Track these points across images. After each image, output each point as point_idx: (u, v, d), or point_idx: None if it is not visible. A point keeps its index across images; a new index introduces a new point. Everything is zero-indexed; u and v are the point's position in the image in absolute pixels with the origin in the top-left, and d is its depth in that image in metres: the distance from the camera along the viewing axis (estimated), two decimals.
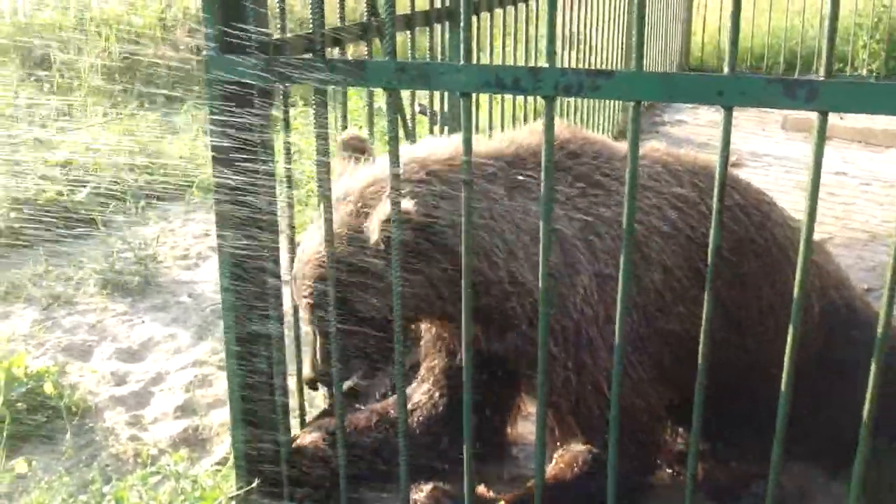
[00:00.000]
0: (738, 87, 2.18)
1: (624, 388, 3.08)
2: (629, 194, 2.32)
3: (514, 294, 3.08)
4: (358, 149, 3.25)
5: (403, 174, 3.00)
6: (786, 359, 2.38)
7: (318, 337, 3.20)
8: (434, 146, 3.24)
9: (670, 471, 3.48)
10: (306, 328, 3.23)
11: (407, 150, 3.22)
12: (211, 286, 5.96)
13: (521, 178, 3.12)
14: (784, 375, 2.39)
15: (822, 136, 2.18)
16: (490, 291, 3.05)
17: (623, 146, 3.35)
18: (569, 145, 3.23)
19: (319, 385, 3.33)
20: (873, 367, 2.29)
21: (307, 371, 3.26)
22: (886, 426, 3.25)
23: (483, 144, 3.26)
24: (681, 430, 3.57)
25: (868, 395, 2.33)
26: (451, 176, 3.02)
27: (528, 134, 3.27)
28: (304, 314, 3.21)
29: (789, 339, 2.36)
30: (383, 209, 2.83)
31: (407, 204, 2.83)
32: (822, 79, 2.12)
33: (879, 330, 2.27)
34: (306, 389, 3.68)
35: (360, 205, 3.05)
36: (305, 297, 3.12)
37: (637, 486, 3.23)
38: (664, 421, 3.38)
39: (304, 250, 3.18)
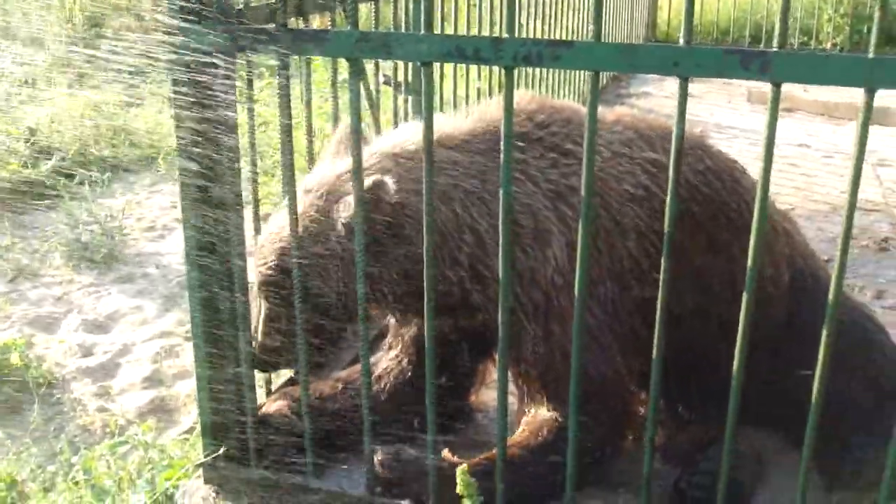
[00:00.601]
0: (694, 58, 2.21)
1: (594, 357, 3.12)
2: (587, 163, 2.35)
3: (479, 286, 3.12)
4: None
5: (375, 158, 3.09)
6: (740, 324, 2.43)
7: (264, 316, 3.23)
8: (408, 131, 3.28)
9: (634, 437, 3.52)
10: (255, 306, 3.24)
11: (386, 138, 3.30)
12: (177, 258, 5.97)
13: (494, 154, 3.10)
14: (738, 340, 2.44)
15: (775, 106, 2.22)
16: (456, 285, 3.09)
17: None
18: (537, 115, 3.21)
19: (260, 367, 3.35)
20: (825, 333, 2.35)
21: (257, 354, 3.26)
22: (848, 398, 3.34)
23: (450, 124, 3.25)
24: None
25: (819, 361, 2.38)
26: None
27: (497, 108, 3.28)
28: (258, 289, 3.22)
29: (743, 305, 2.41)
30: (367, 182, 2.85)
31: (388, 180, 2.88)
32: (775, 50, 2.16)
33: (831, 296, 2.32)
34: None
35: (330, 189, 3.07)
36: (263, 270, 3.14)
37: (607, 455, 3.24)
38: (636, 389, 3.39)
39: (271, 224, 3.21)
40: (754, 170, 2.46)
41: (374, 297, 3.05)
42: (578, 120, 3.22)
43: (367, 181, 2.81)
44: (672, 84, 10.89)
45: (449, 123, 3.26)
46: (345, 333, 3.28)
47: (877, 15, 2.06)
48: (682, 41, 2.22)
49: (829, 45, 11.74)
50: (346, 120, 3.14)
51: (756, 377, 3.31)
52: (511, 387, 3.30)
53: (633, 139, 3.24)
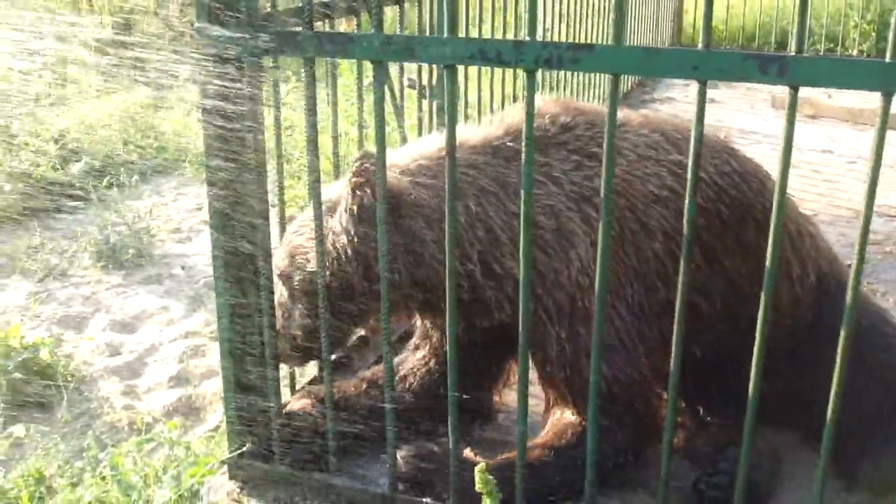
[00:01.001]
0: (713, 62, 2.24)
1: (620, 360, 3.14)
2: (607, 165, 2.39)
3: (492, 283, 3.14)
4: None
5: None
6: (758, 324, 2.45)
7: (290, 310, 3.29)
8: (429, 140, 3.37)
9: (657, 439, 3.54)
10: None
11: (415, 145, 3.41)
12: (203, 259, 6.04)
13: (514, 156, 3.15)
14: (756, 340, 2.46)
15: (793, 109, 2.24)
16: (466, 280, 3.12)
17: (619, 114, 3.40)
18: (562, 118, 3.24)
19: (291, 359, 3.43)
20: (842, 334, 2.37)
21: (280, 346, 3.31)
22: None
23: (473, 129, 3.32)
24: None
25: (837, 363, 2.40)
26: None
27: (519, 113, 3.31)
28: (283, 284, 3.28)
29: (761, 306, 2.43)
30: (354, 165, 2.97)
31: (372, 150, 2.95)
32: (793, 54, 2.19)
33: (848, 299, 2.34)
34: None
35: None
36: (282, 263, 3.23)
37: (630, 459, 3.24)
38: (662, 392, 3.40)
39: (301, 221, 3.29)
40: (777, 172, 2.48)
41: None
42: (603, 123, 3.24)
43: (356, 154, 2.89)
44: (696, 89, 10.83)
45: (472, 129, 3.32)
46: (362, 327, 3.33)
47: (894, 21, 2.08)
48: (700, 45, 2.25)
49: (855, 52, 11.69)
50: (370, 122, 3.18)
51: (777, 378, 3.34)
52: (538, 389, 3.34)
53: (660, 142, 3.25)
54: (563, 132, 3.22)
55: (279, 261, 3.23)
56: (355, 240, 3.09)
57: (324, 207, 3.07)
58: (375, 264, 2.99)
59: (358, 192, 3.07)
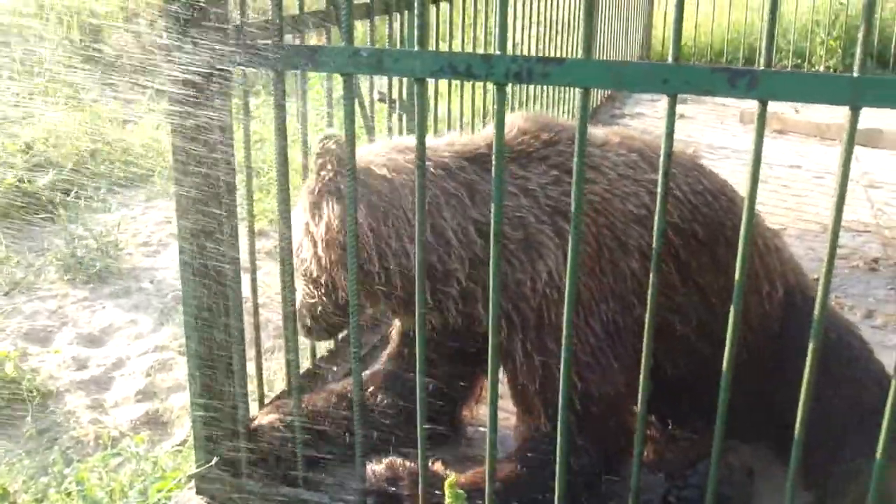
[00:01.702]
0: (682, 75, 2.25)
1: (595, 377, 3.14)
2: (577, 181, 2.38)
3: (432, 280, 3.11)
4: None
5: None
6: (727, 339, 2.45)
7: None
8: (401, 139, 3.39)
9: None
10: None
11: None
12: (172, 272, 6.00)
13: (486, 167, 3.15)
14: (726, 355, 2.46)
15: (762, 123, 2.25)
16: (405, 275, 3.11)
17: (599, 132, 3.41)
18: (543, 134, 3.24)
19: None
20: (810, 348, 2.37)
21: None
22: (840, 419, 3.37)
23: (459, 138, 3.33)
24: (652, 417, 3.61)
25: (805, 377, 2.41)
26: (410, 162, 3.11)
27: (507, 122, 3.32)
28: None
29: (731, 320, 2.43)
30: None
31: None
32: (762, 69, 2.20)
33: (816, 312, 2.35)
34: (264, 373, 3.75)
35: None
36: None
37: (603, 477, 3.23)
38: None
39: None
40: (746, 186, 2.49)
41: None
42: (588, 140, 3.24)
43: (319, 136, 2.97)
44: (666, 104, 10.92)
45: (457, 136, 3.33)
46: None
47: (861, 34, 2.09)
48: (670, 59, 2.26)
49: (822, 68, 11.81)
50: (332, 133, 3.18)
51: (747, 392, 3.35)
52: (509, 403, 3.33)
53: (637, 161, 3.26)
54: (545, 147, 3.22)
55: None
56: (334, 222, 3.09)
57: (306, 203, 3.14)
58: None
59: (322, 172, 3.10)
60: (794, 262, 3.69)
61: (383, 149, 3.24)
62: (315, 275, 3.19)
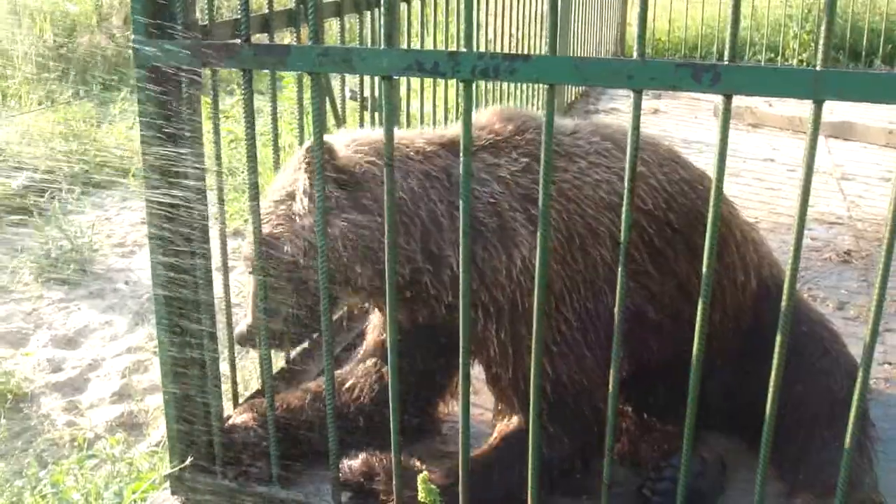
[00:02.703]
0: (647, 71, 2.27)
1: (568, 366, 3.15)
2: (544, 172, 2.39)
3: (430, 266, 3.11)
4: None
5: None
6: (696, 331, 2.47)
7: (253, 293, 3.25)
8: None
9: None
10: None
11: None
12: (147, 273, 5.94)
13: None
14: (694, 348, 2.48)
15: (727, 117, 2.28)
16: (407, 262, 3.08)
17: (571, 122, 3.42)
18: (513, 122, 3.25)
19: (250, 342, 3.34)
20: (778, 338, 2.39)
21: (242, 328, 3.29)
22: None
23: (433, 130, 3.34)
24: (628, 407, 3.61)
25: (774, 365, 2.43)
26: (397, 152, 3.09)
27: (481, 116, 3.33)
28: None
29: (699, 311, 2.45)
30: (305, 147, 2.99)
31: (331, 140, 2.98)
32: (725, 63, 2.22)
33: (784, 303, 2.38)
34: (239, 372, 3.74)
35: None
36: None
37: (578, 467, 3.25)
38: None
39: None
40: (713, 178, 2.51)
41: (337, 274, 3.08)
42: (558, 129, 3.25)
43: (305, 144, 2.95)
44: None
45: (420, 130, 3.34)
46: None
47: (823, 28, 2.11)
48: (635, 55, 2.28)
49: (795, 62, 11.86)
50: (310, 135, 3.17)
51: (722, 384, 3.38)
52: (484, 398, 3.34)
53: (611, 149, 3.27)
54: (515, 135, 3.23)
55: (247, 250, 3.20)
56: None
57: (278, 196, 3.11)
58: (341, 246, 3.01)
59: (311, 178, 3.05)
60: (771, 256, 3.71)
61: (367, 139, 3.23)
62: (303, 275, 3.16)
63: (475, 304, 3.08)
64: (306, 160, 3.01)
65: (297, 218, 3.09)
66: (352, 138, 3.23)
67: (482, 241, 3.06)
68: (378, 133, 3.28)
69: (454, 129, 3.28)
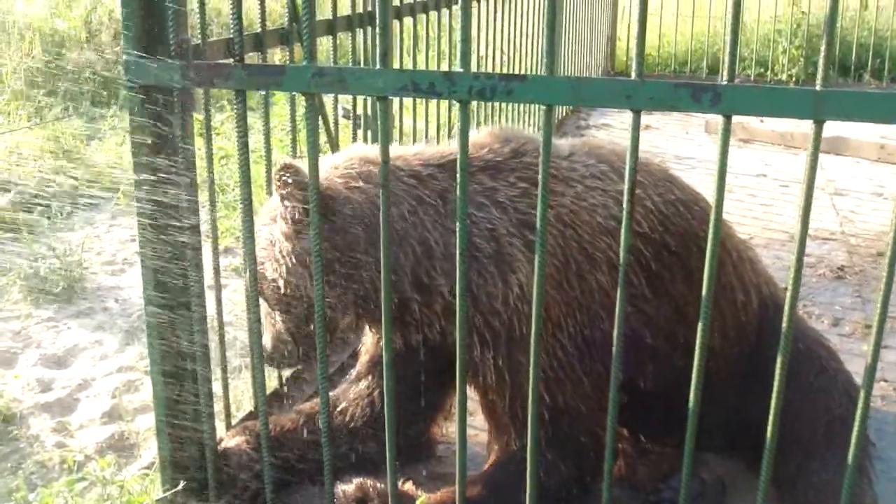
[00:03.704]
0: (646, 91, 2.25)
1: (565, 391, 3.13)
2: (541, 196, 2.37)
3: (419, 296, 3.09)
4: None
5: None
6: (696, 351, 2.44)
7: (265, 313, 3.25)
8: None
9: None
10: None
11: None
12: (137, 292, 5.88)
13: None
14: (694, 368, 2.46)
15: (726, 137, 2.26)
16: (395, 292, 3.04)
17: (566, 143, 3.39)
18: (510, 145, 3.23)
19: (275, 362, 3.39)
20: (779, 358, 2.37)
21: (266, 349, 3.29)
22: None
23: (429, 148, 3.30)
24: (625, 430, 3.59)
25: (775, 386, 2.41)
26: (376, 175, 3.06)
27: (477, 137, 3.30)
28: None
29: (699, 332, 2.43)
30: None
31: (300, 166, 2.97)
32: (725, 83, 2.20)
33: (784, 323, 2.35)
34: (231, 392, 3.71)
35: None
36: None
37: (575, 494, 3.23)
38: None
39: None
40: (713, 199, 2.49)
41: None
42: (554, 152, 3.23)
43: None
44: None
45: (427, 145, 3.31)
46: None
47: (823, 50, 2.10)
48: (634, 75, 2.26)
49: (784, 77, 11.89)
50: (304, 152, 3.15)
51: (723, 405, 3.35)
52: (481, 420, 3.31)
53: (606, 172, 3.24)
54: (512, 158, 3.20)
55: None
56: (297, 247, 3.06)
57: (266, 219, 3.13)
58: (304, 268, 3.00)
59: (287, 202, 3.04)
60: (766, 273, 3.70)
61: (349, 161, 3.20)
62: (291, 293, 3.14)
63: (470, 331, 3.05)
64: (277, 181, 3.01)
65: (277, 242, 3.08)
66: (335, 159, 3.20)
67: (478, 267, 3.03)
68: (364, 151, 3.26)
69: (451, 149, 3.25)
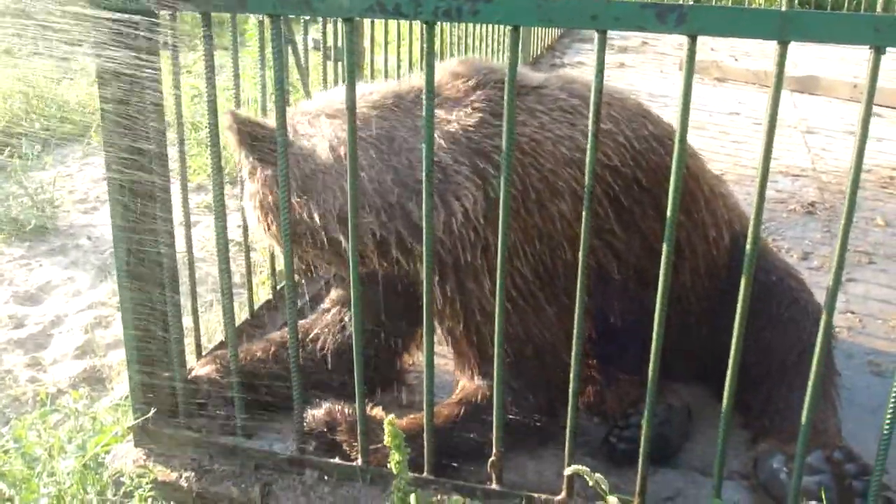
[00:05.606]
0: (611, 11, 2.24)
1: (527, 319, 3.13)
2: (507, 118, 2.37)
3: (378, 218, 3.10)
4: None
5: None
6: (660, 279, 2.47)
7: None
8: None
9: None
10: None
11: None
12: (109, 229, 5.89)
13: (411, 113, 3.13)
14: (658, 295, 2.48)
15: (692, 58, 2.26)
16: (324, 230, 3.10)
17: (540, 76, 3.37)
18: (472, 77, 3.20)
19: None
20: (742, 286, 2.40)
21: None
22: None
23: (381, 86, 3.29)
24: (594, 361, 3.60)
25: (738, 310, 2.43)
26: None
27: (443, 66, 3.29)
28: None
29: (662, 263, 2.45)
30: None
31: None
32: (691, 3, 2.20)
33: (748, 248, 2.38)
34: (204, 325, 3.72)
35: None
36: None
37: (542, 423, 3.23)
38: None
39: None
40: (689, 136, 2.49)
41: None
42: (524, 82, 3.21)
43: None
44: (608, 55, 11.00)
45: (380, 83, 3.31)
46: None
47: None
48: None
49: (755, 5, 11.86)
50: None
51: (694, 337, 3.38)
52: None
53: (577, 106, 3.21)
54: (474, 90, 3.18)
55: None
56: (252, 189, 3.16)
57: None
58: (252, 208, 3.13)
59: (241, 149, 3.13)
60: (739, 208, 3.70)
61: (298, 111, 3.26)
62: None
63: (417, 262, 3.06)
64: (228, 126, 3.04)
65: (245, 183, 3.12)
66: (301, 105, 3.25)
67: (418, 199, 3.00)
68: (326, 95, 3.27)
69: (408, 83, 3.24)
